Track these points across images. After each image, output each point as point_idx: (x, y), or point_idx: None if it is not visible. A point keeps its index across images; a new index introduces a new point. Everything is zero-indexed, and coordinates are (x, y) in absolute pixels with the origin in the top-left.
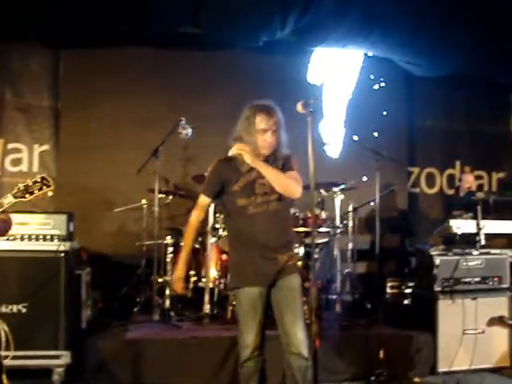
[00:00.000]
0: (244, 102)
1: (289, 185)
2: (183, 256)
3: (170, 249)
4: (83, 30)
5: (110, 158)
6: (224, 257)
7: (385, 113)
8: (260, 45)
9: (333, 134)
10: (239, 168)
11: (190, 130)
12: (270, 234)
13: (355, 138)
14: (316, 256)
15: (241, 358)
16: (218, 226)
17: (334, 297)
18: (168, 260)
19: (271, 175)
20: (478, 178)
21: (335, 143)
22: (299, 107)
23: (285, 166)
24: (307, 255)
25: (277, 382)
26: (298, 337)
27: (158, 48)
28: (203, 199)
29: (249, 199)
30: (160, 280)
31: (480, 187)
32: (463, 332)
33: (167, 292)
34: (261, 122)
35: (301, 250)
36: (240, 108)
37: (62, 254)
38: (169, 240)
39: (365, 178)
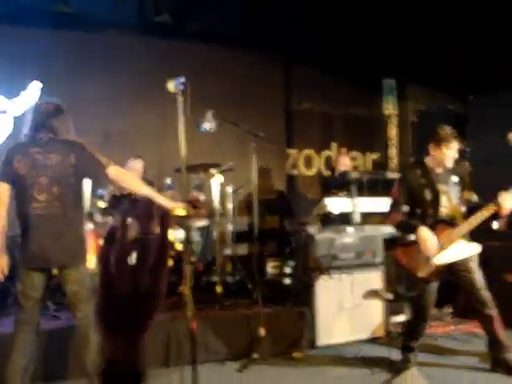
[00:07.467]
0: (122, 84)
1: None
2: None
3: None
4: None
5: None
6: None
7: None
8: (137, 26)
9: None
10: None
11: None
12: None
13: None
14: (196, 239)
15: None
16: (94, 211)
17: (216, 279)
18: None
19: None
20: (353, 159)
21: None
22: (169, 86)
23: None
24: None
25: None
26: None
27: (29, 28)
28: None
29: (32, 179)
30: None
31: (355, 168)
32: (341, 306)
33: None
34: None
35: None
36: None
37: None
38: None
39: (231, 163)
